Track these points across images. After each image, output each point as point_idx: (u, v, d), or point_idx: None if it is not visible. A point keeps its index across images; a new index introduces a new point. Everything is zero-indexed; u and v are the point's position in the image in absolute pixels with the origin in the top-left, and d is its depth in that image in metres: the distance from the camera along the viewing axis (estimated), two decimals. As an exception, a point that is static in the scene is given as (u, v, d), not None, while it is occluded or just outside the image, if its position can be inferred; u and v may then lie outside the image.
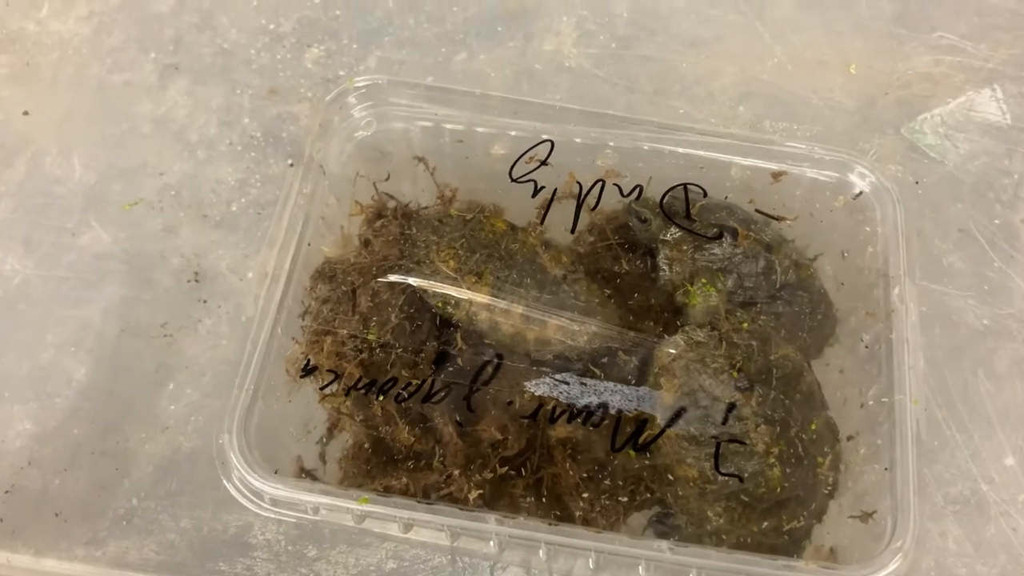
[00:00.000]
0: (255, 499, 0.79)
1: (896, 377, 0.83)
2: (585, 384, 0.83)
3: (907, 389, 0.82)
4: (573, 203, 0.92)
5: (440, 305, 0.85)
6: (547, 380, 0.83)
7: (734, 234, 0.89)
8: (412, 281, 0.85)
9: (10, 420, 0.97)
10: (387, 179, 0.96)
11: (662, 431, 0.81)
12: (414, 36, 1.23)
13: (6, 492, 0.93)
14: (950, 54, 1.21)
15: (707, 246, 0.89)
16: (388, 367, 0.84)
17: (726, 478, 0.79)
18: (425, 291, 0.85)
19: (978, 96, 1.18)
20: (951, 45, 1.22)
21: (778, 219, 0.93)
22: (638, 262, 0.92)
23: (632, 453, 0.82)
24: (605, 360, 0.85)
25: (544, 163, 0.93)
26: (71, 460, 0.95)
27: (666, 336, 0.85)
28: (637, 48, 1.23)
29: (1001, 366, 1.00)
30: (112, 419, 0.97)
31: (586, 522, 0.82)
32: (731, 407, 0.80)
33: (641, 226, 0.91)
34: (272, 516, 0.80)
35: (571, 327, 0.84)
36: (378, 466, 0.84)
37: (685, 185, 0.91)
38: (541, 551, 0.78)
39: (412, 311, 0.85)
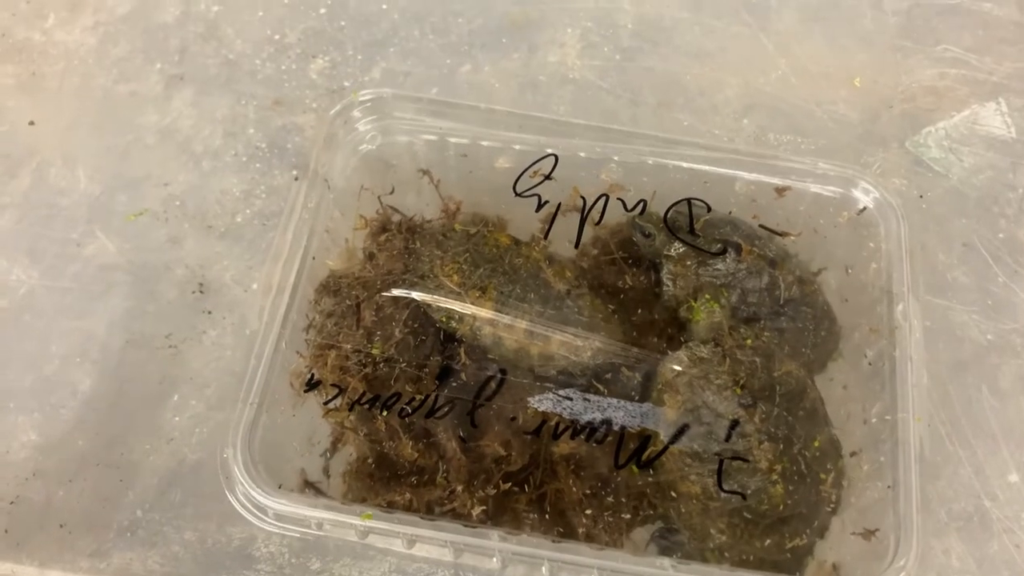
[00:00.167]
0: (259, 514, 0.79)
1: (900, 395, 0.83)
2: (589, 400, 0.83)
3: (910, 407, 0.82)
4: (577, 217, 0.92)
5: (444, 320, 0.85)
6: (551, 396, 0.83)
7: (738, 249, 0.89)
8: (416, 295, 0.85)
9: (15, 431, 0.97)
10: (391, 192, 0.96)
11: (665, 448, 0.81)
12: (419, 47, 1.23)
13: (11, 503, 0.93)
14: (955, 67, 1.21)
15: (711, 261, 0.89)
16: (392, 382, 0.84)
17: (729, 495, 0.79)
18: (429, 305, 0.85)
19: (983, 109, 1.18)
20: (956, 58, 1.22)
21: (782, 234, 0.93)
22: (642, 277, 0.92)
23: (635, 469, 0.82)
24: (609, 376, 0.85)
25: (548, 177, 0.93)
26: (76, 471, 0.95)
27: (670, 352, 0.85)
28: (641, 60, 1.23)
29: (1005, 382, 1.00)
30: (117, 430, 0.97)
31: (589, 538, 0.82)
32: (734, 424, 0.80)
33: (645, 241, 0.91)
34: (276, 531, 0.80)
35: (575, 342, 0.84)
36: (382, 481, 0.84)
37: (689, 200, 0.91)
38: (544, 567, 0.78)
39: (416, 326, 0.86)
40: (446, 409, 0.83)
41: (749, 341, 0.84)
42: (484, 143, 0.96)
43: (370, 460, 0.85)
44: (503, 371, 0.84)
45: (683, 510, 0.82)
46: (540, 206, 0.93)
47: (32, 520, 0.92)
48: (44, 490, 0.94)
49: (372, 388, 0.83)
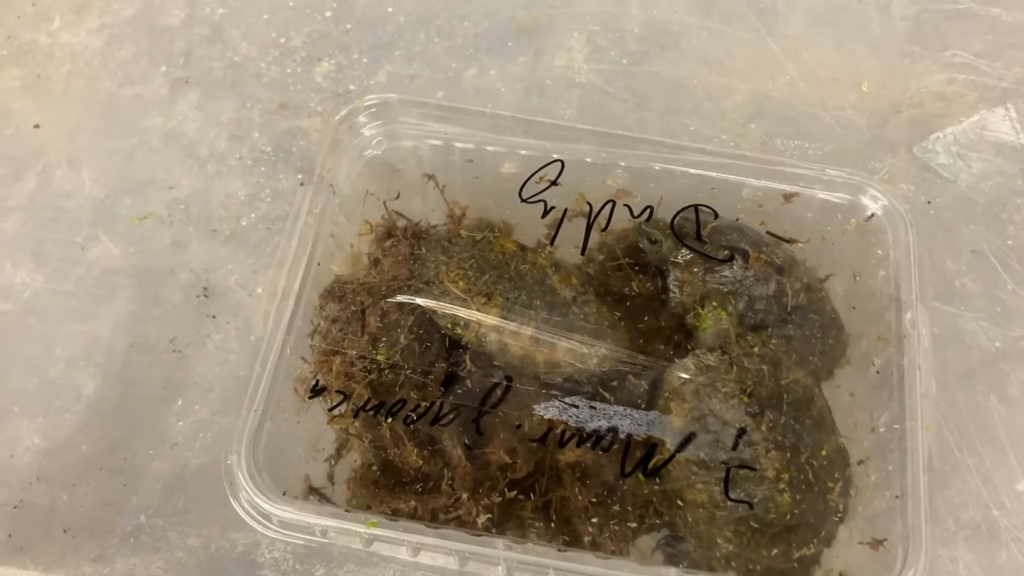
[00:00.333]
0: (263, 520, 0.79)
1: (908, 404, 0.82)
2: (595, 408, 0.82)
3: (919, 416, 0.81)
4: (583, 223, 0.92)
5: (449, 326, 0.85)
6: (556, 403, 0.83)
7: (745, 256, 0.88)
8: (421, 302, 0.85)
9: (19, 435, 0.97)
10: (397, 197, 0.96)
11: (672, 456, 0.80)
12: (424, 51, 1.23)
13: (15, 507, 0.93)
14: (963, 72, 1.21)
15: (718, 268, 0.88)
16: (397, 388, 0.84)
17: (736, 503, 0.79)
18: (434, 312, 0.85)
19: (991, 115, 1.17)
20: (964, 63, 1.21)
21: (789, 241, 0.93)
22: (648, 284, 0.91)
23: (641, 478, 0.82)
24: (615, 383, 0.85)
25: (554, 183, 0.93)
26: (79, 476, 0.95)
27: (676, 359, 0.84)
28: (648, 64, 1.22)
29: (1014, 390, 0.99)
30: (120, 435, 0.97)
31: (595, 546, 0.82)
32: (741, 432, 0.79)
33: (652, 247, 0.91)
34: (280, 538, 0.79)
35: (581, 350, 0.84)
36: (386, 488, 0.84)
37: (696, 206, 0.91)
38: (550, 576, 0.77)
39: (421, 332, 0.85)
40: (451, 416, 0.82)
41: (756, 349, 0.84)
42: (490, 148, 0.96)
43: (375, 467, 0.84)
44: (509, 378, 0.84)
45: (689, 519, 0.82)
46: (546, 212, 0.92)
47: (36, 525, 0.92)
48: (48, 494, 0.94)
49: (377, 395, 0.83)
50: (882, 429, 0.85)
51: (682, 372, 0.82)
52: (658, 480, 0.82)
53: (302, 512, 0.78)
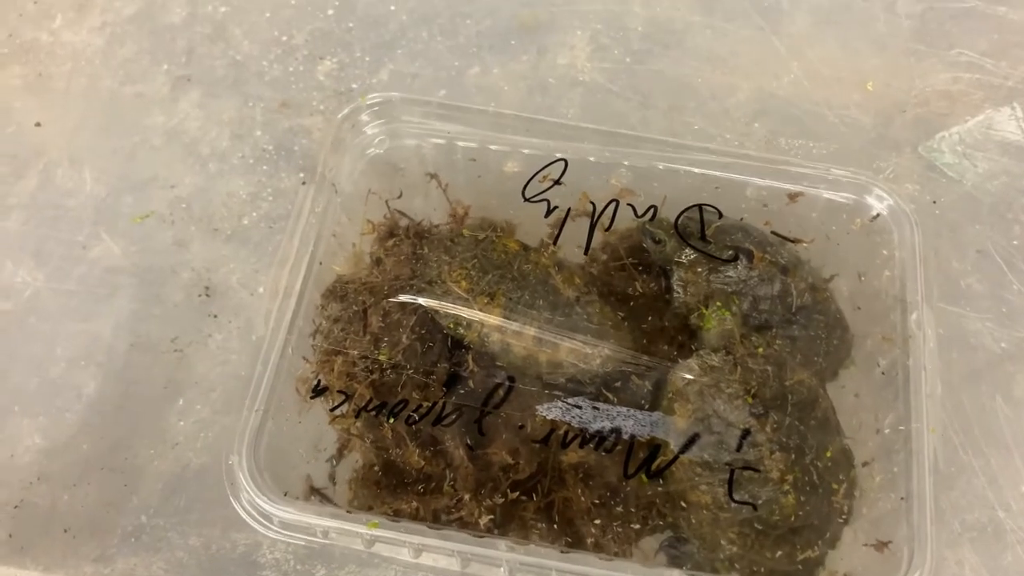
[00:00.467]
0: (264, 521, 0.79)
1: (913, 405, 0.82)
2: (598, 408, 0.82)
3: (924, 418, 0.81)
4: (587, 223, 0.91)
5: (452, 326, 0.84)
6: (559, 404, 0.82)
7: (749, 256, 0.87)
8: (423, 301, 0.85)
9: (19, 435, 0.96)
10: (399, 196, 0.95)
11: (675, 457, 0.80)
12: (427, 49, 1.22)
13: (15, 507, 0.93)
14: (969, 71, 1.20)
15: (722, 268, 0.88)
16: (399, 388, 0.83)
17: (740, 505, 0.78)
18: (437, 312, 0.84)
19: (997, 114, 1.17)
20: (970, 62, 1.21)
21: (794, 241, 0.92)
22: (652, 284, 0.91)
23: (645, 479, 0.81)
24: (618, 384, 0.84)
25: (557, 182, 0.92)
26: (80, 476, 0.94)
27: (680, 360, 0.84)
28: (652, 63, 1.22)
29: (1020, 391, 0.99)
30: (121, 434, 0.96)
31: (598, 547, 0.81)
32: (745, 433, 0.79)
33: (655, 247, 0.90)
34: (281, 539, 0.79)
35: (584, 350, 0.83)
36: (388, 488, 0.83)
37: (700, 206, 0.90)
38: (552, 578, 0.77)
39: (423, 332, 0.85)
40: (453, 416, 0.82)
41: (760, 349, 0.83)
42: (493, 147, 0.95)
43: (376, 467, 0.84)
44: (511, 378, 0.83)
45: (693, 520, 0.81)
46: (549, 211, 0.92)
47: (36, 525, 0.92)
48: (48, 494, 0.93)
49: (379, 395, 0.83)
50: (887, 430, 0.84)
51: (686, 373, 0.82)
52: (661, 481, 0.82)
53: (303, 513, 0.78)
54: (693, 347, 0.86)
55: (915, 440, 0.80)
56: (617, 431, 0.81)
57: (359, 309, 0.86)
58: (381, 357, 0.83)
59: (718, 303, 0.87)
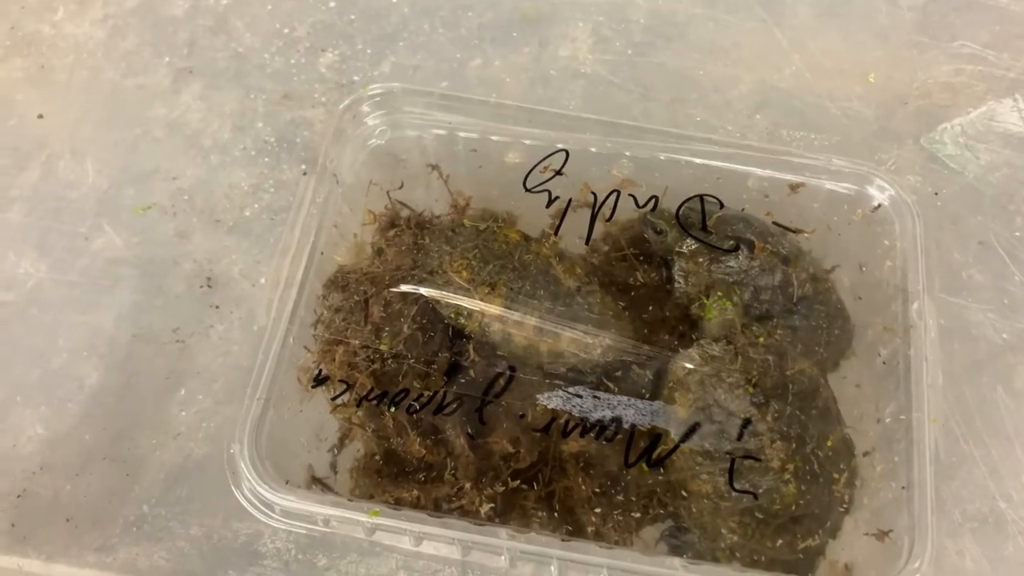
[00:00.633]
0: (265, 510, 0.79)
1: (914, 395, 0.82)
2: (598, 398, 0.82)
3: (925, 407, 0.81)
4: (588, 213, 0.91)
5: (453, 316, 0.84)
6: (560, 393, 0.82)
7: (751, 246, 0.87)
8: (424, 291, 0.85)
9: (22, 425, 0.97)
10: (401, 187, 0.95)
11: (676, 446, 0.80)
12: (429, 41, 1.22)
13: (17, 497, 0.93)
14: (971, 63, 1.20)
15: (723, 258, 0.88)
16: (400, 378, 0.83)
17: (740, 494, 0.79)
18: (438, 302, 0.85)
19: (999, 106, 1.16)
20: (972, 54, 1.20)
21: (795, 231, 0.92)
22: (653, 274, 0.91)
23: (645, 468, 0.81)
24: (619, 373, 0.84)
25: (559, 173, 0.92)
26: (82, 466, 0.94)
27: (681, 350, 0.84)
28: (653, 55, 1.22)
29: (1021, 382, 0.98)
30: (123, 425, 0.96)
31: (598, 536, 0.81)
32: (746, 422, 0.79)
33: (656, 237, 0.90)
34: (283, 527, 0.79)
35: (585, 340, 0.83)
36: (389, 477, 0.83)
37: (701, 196, 0.90)
38: (553, 566, 0.77)
39: (424, 322, 0.85)
40: (454, 406, 0.82)
41: (761, 339, 0.84)
42: (494, 138, 0.95)
43: (378, 456, 0.84)
44: (512, 368, 0.83)
45: (694, 509, 0.81)
46: (550, 202, 0.92)
47: (38, 514, 0.92)
48: (51, 484, 0.93)
49: (380, 384, 0.83)
50: (888, 420, 0.84)
51: (687, 362, 0.82)
52: (662, 470, 0.82)
53: (304, 501, 0.78)
54: (694, 337, 0.86)
55: (916, 430, 0.80)
56: (618, 420, 0.81)
57: (360, 299, 0.86)
58: (382, 347, 0.83)
59: (719, 293, 0.87)
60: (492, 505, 0.80)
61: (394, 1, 1.26)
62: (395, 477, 0.83)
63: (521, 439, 0.82)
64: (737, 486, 0.78)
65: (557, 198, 0.92)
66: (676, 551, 0.83)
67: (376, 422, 0.83)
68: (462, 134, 0.96)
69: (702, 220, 0.89)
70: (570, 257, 0.89)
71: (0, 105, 1.17)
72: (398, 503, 0.81)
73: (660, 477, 0.82)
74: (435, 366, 0.84)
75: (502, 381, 0.83)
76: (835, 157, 0.93)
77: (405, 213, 0.94)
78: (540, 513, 0.81)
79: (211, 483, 0.93)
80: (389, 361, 0.83)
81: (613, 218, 0.92)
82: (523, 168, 0.93)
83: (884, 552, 0.79)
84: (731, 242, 0.88)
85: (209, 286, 1.04)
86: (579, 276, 0.87)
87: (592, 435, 0.81)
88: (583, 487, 0.81)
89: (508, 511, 0.81)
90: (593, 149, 0.94)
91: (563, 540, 0.78)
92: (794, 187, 0.93)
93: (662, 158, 0.93)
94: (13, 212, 1.09)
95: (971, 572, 0.90)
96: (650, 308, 0.90)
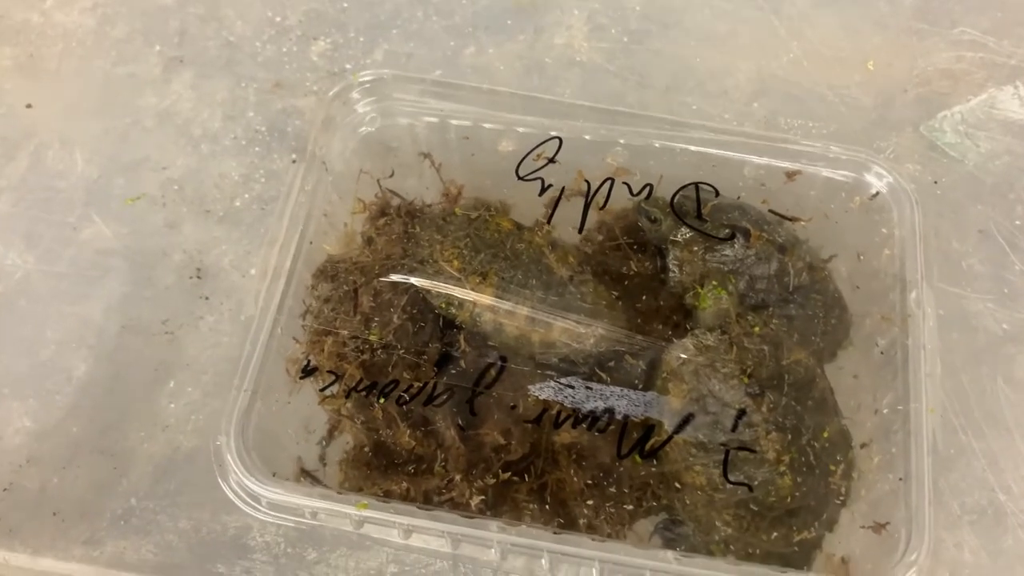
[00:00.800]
0: (252, 503, 0.77)
1: (912, 384, 0.80)
2: (591, 388, 0.81)
3: (923, 398, 0.79)
4: (581, 202, 0.90)
5: (443, 306, 0.83)
6: (552, 384, 0.81)
7: (746, 235, 0.86)
8: (415, 281, 0.83)
9: (9, 417, 0.95)
10: (391, 176, 0.94)
11: (669, 437, 0.79)
12: (422, 29, 1.21)
13: (4, 490, 0.92)
14: (972, 50, 1.18)
15: (718, 247, 0.87)
16: (390, 369, 0.82)
17: (735, 486, 0.77)
18: (428, 291, 0.83)
19: (1000, 93, 1.15)
20: (973, 41, 1.19)
21: (792, 220, 0.91)
22: (647, 263, 0.90)
23: (638, 459, 0.80)
24: (612, 364, 0.83)
25: (552, 161, 0.91)
26: (70, 459, 0.93)
27: (675, 340, 0.82)
28: (650, 43, 1.20)
29: (1021, 372, 0.97)
30: (112, 417, 0.95)
31: (591, 529, 0.80)
32: (741, 413, 0.78)
33: (651, 226, 0.89)
34: (270, 520, 0.78)
35: (577, 329, 0.82)
36: (379, 469, 0.82)
37: (697, 184, 0.89)
38: (544, 559, 0.76)
39: (415, 312, 0.84)
40: (445, 397, 0.81)
41: (757, 329, 0.82)
42: (487, 125, 0.94)
43: (367, 448, 0.83)
44: (503, 358, 0.82)
45: (688, 501, 0.80)
46: (543, 190, 0.91)
47: (25, 507, 0.91)
48: (38, 477, 0.92)
49: (369, 375, 0.82)
50: (885, 411, 0.83)
51: (681, 352, 0.81)
52: (655, 462, 0.80)
53: (291, 494, 0.76)
54: (688, 326, 0.85)
55: (913, 420, 0.79)
56: (610, 411, 0.80)
57: (350, 289, 0.85)
58: (372, 337, 0.82)
59: (714, 282, 0.86)
60: (483, 497, 0.78)
61: (387, -12, 1.24)
62: (385, 469, 0.82)
63: (512, 430, 0.81)
64: (732, 478, 0.77)
65: (550, 186, 0.90)
66: (670, 544, 0.82)
67: (365, 413, 0.82)
68: (454, 122, 0.94)
69: (697, 208, 0.88)
70: (563, 246, 0.88)
71: (-11, 94, 1.16)
72: (387, 495, 0.80)
73: (653, 469, 0.81)
74: (425, 357, 0.83)
75: (493, 372, 0.82)
76: (832, 144, 0.92)
77: (396, 202, 0.92)
78: (531, 505, 0.80)
79: (200, 476, 0.92)
80: (379, 352, 0.82)
81: (607, 206, 0.91)
82: (516, 156, 0.91)
83: (881, 545, 0.78)
84: (726, 230, 0.87)
85: (199, 277, 1.03)
86: (572, 265, 0.86)
87: (584, 426, 0.80)
88: (575, 479, 0.80)
89: (499, 503, 0.80)
90: (587, 137, 0.92)
91: (555, 533, 0.77)
92: (791, 175, 0.92)
93: (657, 145, 0.92)
94: (1, 202, 1.08)
95: (970, 565, 0.89)
96: (644, 297, 0.88)
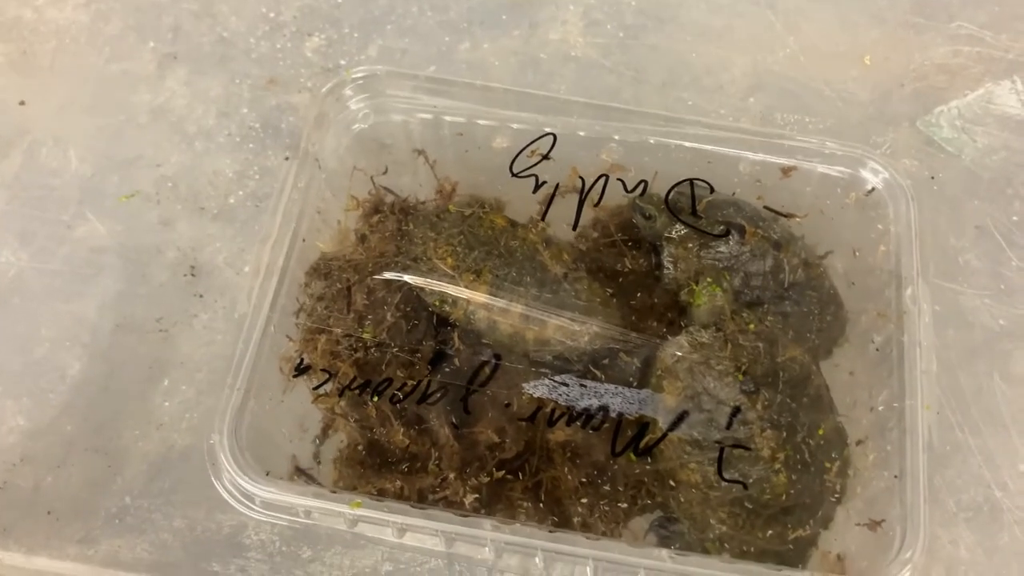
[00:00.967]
0: (246, 501, 0.77)
1: (908, 381, 0.80)
2: (585, 386, 0.81)
3: (919, 394, 0.79)
4: (575, 198, 0.90)
5: (437, 304, 0.83)
6: (546, 382, 0.81)
7: (741, 231, 0.86)
8: (409, 279, 0.83)
9: (3, 416, 0.95)
10: (385, 173, 0.94)
11: (664, 435, 0.78)
12: (417, 25, 1.20)
13: (-2, 489, 0.92)
14: (969, 44, 1.18)
15: (713, 244, 0.86)
16: (383, 367, 0.82)
17: (730, 484, 0.77)
18: (422, 289, 0.83)
19: (997, 88, 1.15)
20: (970, 35, 1.18)
21: (787, 216, 0.90)
22: (642, 260, 0.89)
23: (633, 457, 0.80)
24: (606, 361, 0.83)
25: (546, 157, 0.90)
26: (64, 457, 0.93)
27: (669, 337, 0.82)
28: (645, 38, 1.20)
29: (1017, 368, 0.97)
30: (106, 415, 0.95)
31: (585, 527, 0.80)
32: (736, 411, 0.77)
33: (645, 223, 0.89)
34: (264, 519, 0.78)
35: (571, 327, 0.82)
36: (373, 468, 0.82)
37: (691, 180, 0.89)
38: (538, 558, 0.76)
39: (408, 310, 0.83)
40: (439, 395, 0.81)
41: (752, 326, 0.82)
42: (481, 122, 0.93)
43: (361, 447, 0.83)
44: (497, 356, 0.82)
45: (682, 499, 0.80)
46: (538, 187, 0.90)
47: (19, 506, 0.91)
48: (32, 476, 0.92)
49: (363, 373, 0.81)
50: (881, 408, 0.83)
51: (675, 349, 0.80)
52: (650, 460, 0.80)
53: (285, 493, 0.76)
54: (683, 324, 0.85)
55: (909, 417, 0.79)
56: (605, 409, 0.80)
57: (343, 287, 0.84)
58: (365, 335, 0.82)
59: (709, 279, 0.85)
60: (477, 496, 0.78)
61: (381, -16, 1.24)
62: (379, 468, 0.82)
63: (506, 428, 0.80)
64: (726, 476, 0.77)
65: (544, 183, 0.90)
66: (665, 542, 0.82)
67: (359, 412, 0.82)
68: (448, 118, 0.94)
69: (692, 205, 0.87)
70: (557, 243, 0.88)
71: (-19, 91, 1.16)
72: (382, 494, 0.79)
73: (648, 467, 0.81)
74: (419, 355, 0.82)
75: (487, 370, 0.81)
76: (828, 140, 0.91)
77: (389, 199, 0.92)
78: (526, 504, 0.80)
79: (194, 474, 0.91)
80: (372, 350, 0.82)
81: (601, 203, 0.91)
82: (510, 153, 0.91)
83: (877, 542, 0.78)
84: (721, 227, 0.86)
85: (193, 275, 1.03)
86: (566, 262, 0.85)
87: (579, 424, 0.80)
88: (569, 477, 0.80)
89: (493, 502, 0.80)
90: (581, 133, 0.92)
91: (549, 531, 0.76)
92: (786, 171, 0.92)
93: (651, 142, 0.92)
94: (-6, 200, 1.08)
95: (966, 561, 0.89)
96: (638, 295, 0.88)
